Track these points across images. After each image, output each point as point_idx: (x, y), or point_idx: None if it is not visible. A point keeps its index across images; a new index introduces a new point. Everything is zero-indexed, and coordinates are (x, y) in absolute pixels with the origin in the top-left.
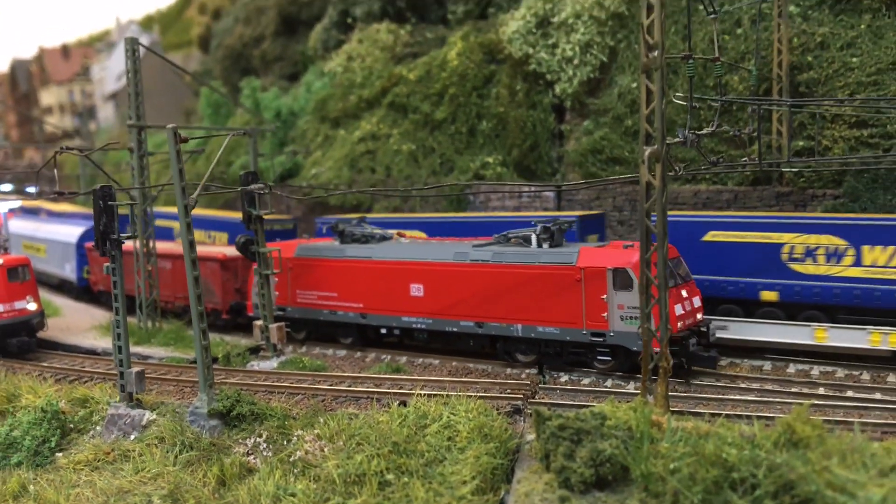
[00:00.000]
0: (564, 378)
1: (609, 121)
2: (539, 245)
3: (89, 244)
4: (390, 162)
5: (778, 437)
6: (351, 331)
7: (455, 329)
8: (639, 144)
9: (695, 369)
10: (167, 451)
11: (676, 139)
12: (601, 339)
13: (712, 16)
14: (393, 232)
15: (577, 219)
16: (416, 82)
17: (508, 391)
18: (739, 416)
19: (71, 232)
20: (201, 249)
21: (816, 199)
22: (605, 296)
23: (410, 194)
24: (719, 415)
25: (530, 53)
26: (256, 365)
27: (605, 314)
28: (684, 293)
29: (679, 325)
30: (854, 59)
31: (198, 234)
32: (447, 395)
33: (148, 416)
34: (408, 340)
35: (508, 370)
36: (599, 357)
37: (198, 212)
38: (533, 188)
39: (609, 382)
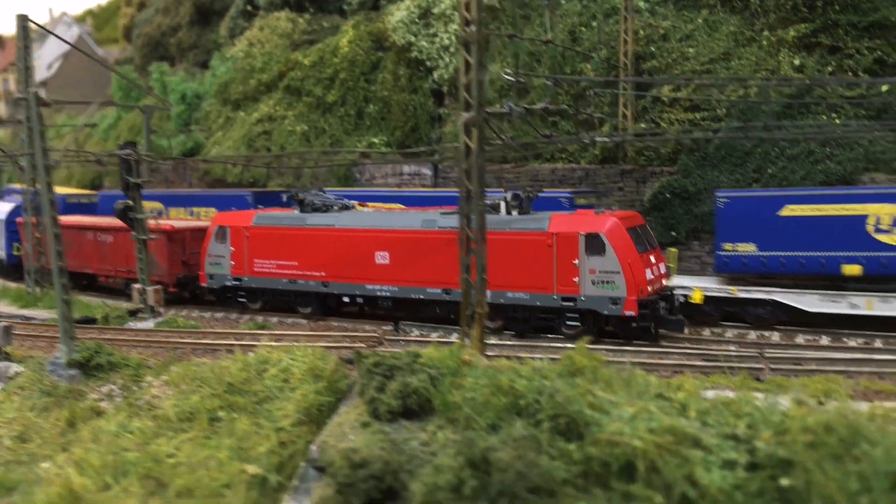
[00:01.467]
0: (416, 332)
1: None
2: (508, 212)
3: (20, 219)
4: (284, 142)
5: (562, 369)
6: (311, 300)
7: (421, 296)
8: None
9: (663, 332)
10: (26, 398)
11: (501, 110)
12: (572, 304)
13: (545, 1)
14: (354, 202)
15: (571, 193)
16: (310, 67)
17: (358, 343)
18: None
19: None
20: (150, 222)
21: (655, 176)
22: (576, 261)
23: (358, 162)
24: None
25: (413, 41)
26: (133, 326)
27: (576, 279)
28: (652, 259)
29: (649, 289)
30: (691, 50)
31: (178, 212)
32: (292, 345)
33: (14, 367)
34: (370, 309)
35: (367, 326)
36: (568, 322)
37: (180, 190)
38: (412, 165)
39: (456, 336)
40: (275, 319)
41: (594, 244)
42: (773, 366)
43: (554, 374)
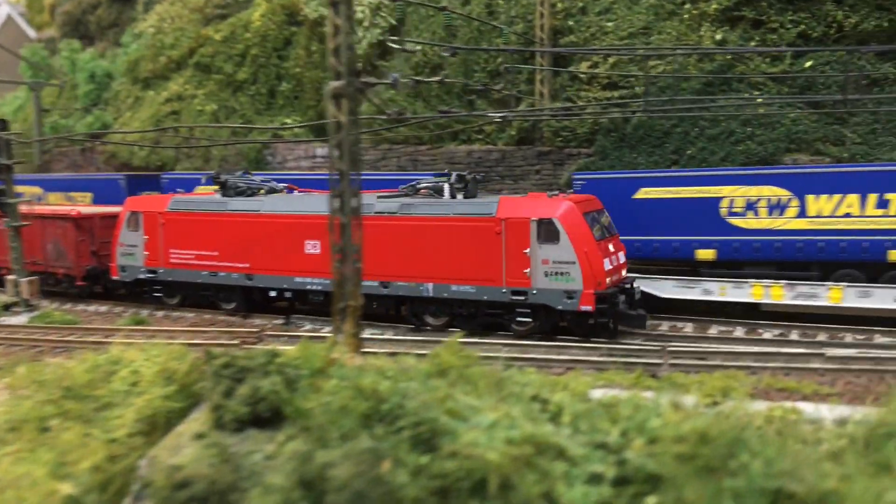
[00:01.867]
0: (308, 326)
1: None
2: (452, 195)
3: None
4: (193, 122)
5: (430, 369)
6: (234, 294)
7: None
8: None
9: (622, 329)
10: None
11: (386, 82)
12: (522, 298)
13: None
14: (283, 185)
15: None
16: (221, 43)
17: (236, 339)
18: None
19: None
20: (53, 208)
21: (572, 158)
22: (527, 250)
23: (268, 143)
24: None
25: (325, 15)
26: (6, 321)
27: (527, 270)
28: (611, 247)
29: (607, 281)
30: (609, 24)
31: (57, 197)
32: (151, 343)
33: None
34: (300, 304)
35: (257, 321)
36: (519, 318)
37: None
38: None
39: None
40: (176, 315)
41: (547, 231)
42: (673, 361)
43: (422, 374)
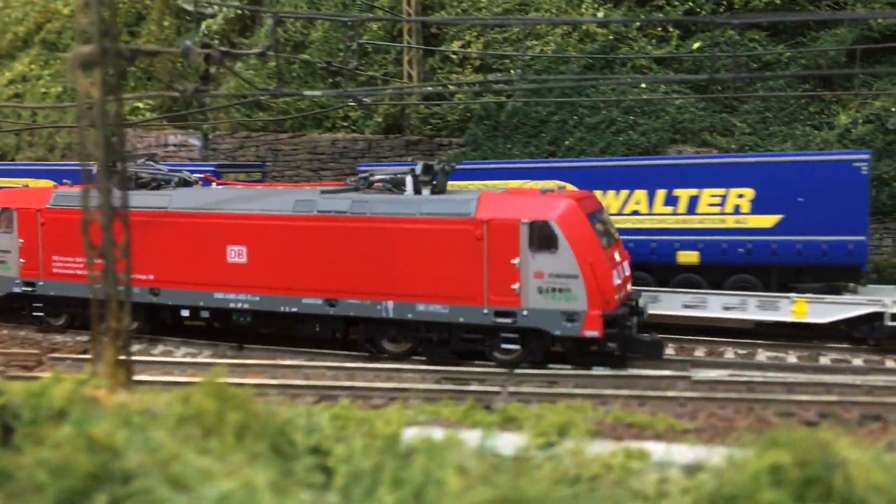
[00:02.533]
0: (182, 352)
1: (256, 62)
2: (417, 190)
3: None
4: (38, 105)
5: (185, 412)
6: (136, 313)
7: (294, 309)
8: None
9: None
10: None
11: (176, 49)
12: (509, 321)
13: None
14: (198, 176)
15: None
16: (69, 17)
17: (11, 364)
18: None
19: None
20: None
21: (443, 148)
22: (516, 260)
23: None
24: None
25: None
26: None
27: (515, 286)
28: (617, 256)
29: (616, 298)
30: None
31: None
32: None
33: None
34: (221, 325)
35: (59, 338)
36: (504, 345)
37: None
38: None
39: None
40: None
41: (542, 236)
42: (513, 389)
43: (175, 418)
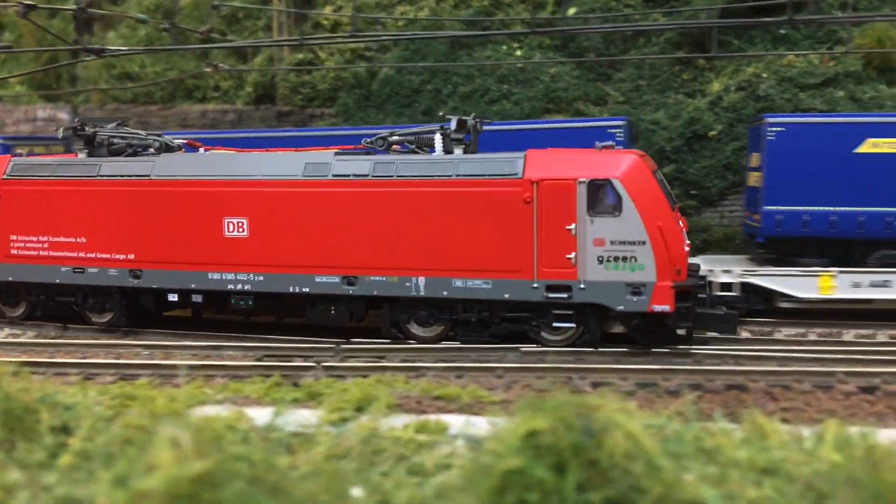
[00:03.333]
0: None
1: (128, 31)
2: (448, 150)
3: None
4: None
5: None
6: (112, 301)
7: (306, 289)
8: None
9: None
10: None
11: None
12: (564, 296)
13: None
14: (180, 140)
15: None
16: None
17: None
18: None
19: None
20: None
21: (315, 119)
22: (572, 226)
23: None
24: None
25: None
26: None
27: (571, 255)
28: (681, 222)
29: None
30: None
31: None
32: None
33: None
34: (215, 312)
35: None
36: (557, 323)
37: None
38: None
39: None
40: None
41: (604, 197)
42: (333, 364)
43: None
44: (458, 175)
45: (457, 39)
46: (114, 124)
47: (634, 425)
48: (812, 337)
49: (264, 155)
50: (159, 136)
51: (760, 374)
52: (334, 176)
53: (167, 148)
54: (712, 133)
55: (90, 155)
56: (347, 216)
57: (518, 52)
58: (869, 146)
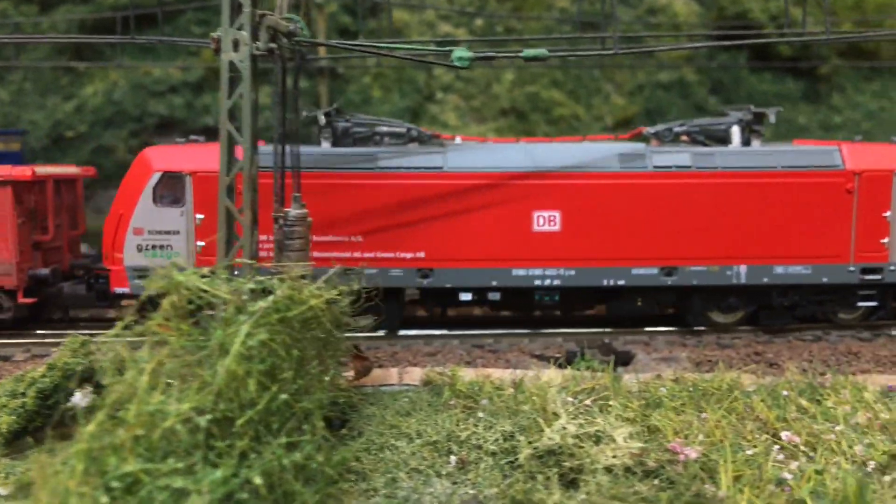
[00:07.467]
0: None
1: None
2: (746, 142)
3: None
4: None
5: None
6: (387, 303)
7: (622, 281)
8: None
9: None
10: None
11: None
12: (877, 277)
13: None
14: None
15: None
16: None
17: None
18: None
19: None
20: None
21: None
22: (888, 213)
23: None
24: None
25: None
26: None
27: (885, 240)
28: None
29: None
30: None
31: None
32: None
33: None
34: (511, 310)
35: None
36: (861, 303)
37: None
38: None
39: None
40: None
41: None
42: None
43: None
44: (781, 166)
45: None
46: (340, 114)
47: None
48: None
49: (572, 146)
50: (402, 125)
51: None
52: (655, 167)
53: (418, 138)
54: None
55: (334, 145)
56: (667, 207)
57: None
58: None
